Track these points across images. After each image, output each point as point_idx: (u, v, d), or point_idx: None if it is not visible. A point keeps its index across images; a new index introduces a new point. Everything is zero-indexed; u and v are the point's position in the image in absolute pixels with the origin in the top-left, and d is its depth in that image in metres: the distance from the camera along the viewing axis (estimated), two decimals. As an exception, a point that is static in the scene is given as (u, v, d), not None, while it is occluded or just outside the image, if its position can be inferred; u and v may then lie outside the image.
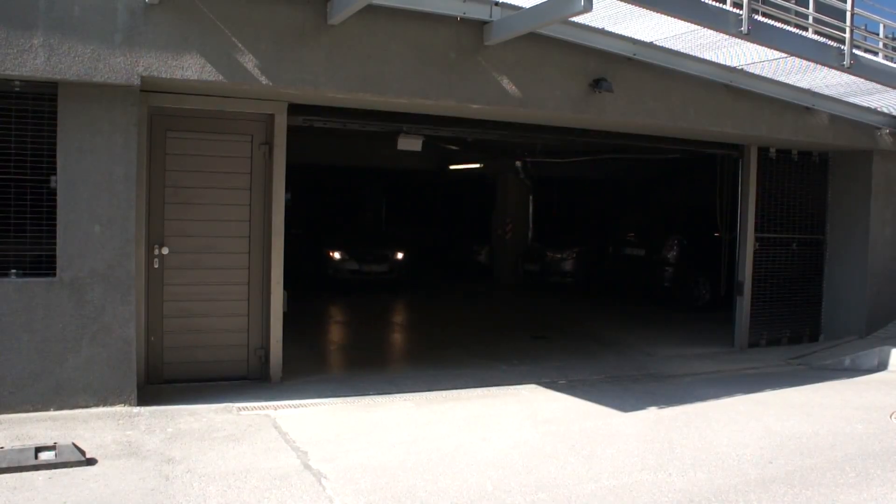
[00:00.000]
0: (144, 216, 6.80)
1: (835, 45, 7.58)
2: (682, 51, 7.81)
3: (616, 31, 7.43)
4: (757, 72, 8.33)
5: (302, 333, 9.57)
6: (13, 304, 5.99)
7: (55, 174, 6.08)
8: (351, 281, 15.09)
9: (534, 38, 7.24)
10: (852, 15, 7.47)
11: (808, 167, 10.62)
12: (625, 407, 6.91)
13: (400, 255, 15.45)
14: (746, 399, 7.38)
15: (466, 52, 7.11)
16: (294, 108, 7.48)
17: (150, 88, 6.53)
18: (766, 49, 7.39)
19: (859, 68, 7.76)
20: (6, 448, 5.11)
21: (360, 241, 15.77)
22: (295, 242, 16.13)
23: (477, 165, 17.04)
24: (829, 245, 10.75)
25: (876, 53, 8.70)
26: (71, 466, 4.94)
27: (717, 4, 6.75)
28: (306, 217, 16.85)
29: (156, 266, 7.01)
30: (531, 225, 17.63)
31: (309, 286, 14.46)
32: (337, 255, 14.94)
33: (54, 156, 6.08)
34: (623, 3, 6.26)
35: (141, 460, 5.15)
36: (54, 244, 6.09)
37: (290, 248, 16.62)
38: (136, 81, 6.08)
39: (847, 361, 9.33)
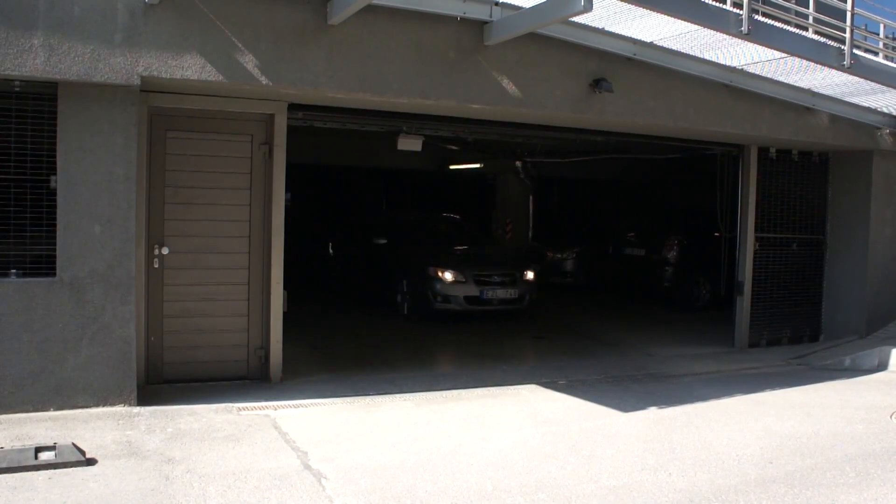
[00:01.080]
0: (144, 216, 6.80)
1: (835, 45, 7.59)
2: (682, 51, 7.81)
3: (616, 31, 7.43)
4: (757, 72, 8.33)
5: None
6: (13, 304, 5.99)
7: (55, 174, 6.08)
8: (466, 313, 11.27)
9: (534, 38, 7.24)
10: (852, 15, 7.47)
11: (809, 167, 10.62)
12: (625, 407, 6.91)
13: (530, 276, 11.74)
14: (746, 399, 7.38)
15: (466, 52, 7.11)
16: (294, 108, 7.49)
17: (150, 88, 6.53)
18: (766, 49, 7.39)
19: (859, 68, 7.76)
20: (6, 448, 5.12)
21: (475, 256, 12.09)
22: (377, 255, 12.53)
23: (477, 165, 17.02)
24: (829, 245, 10.75)
25: (876, 53, 8.70)
26: (71, 466, 4.94)
27: (717, 4, 6.75)
28: (388, 222, 13.41)
29: (156, 266, 7.01)
30: (531, 225, 17.63)
31: (396, 316, 11.69)
32: (448, 276, 11.05)
33: (54, 156, 6.08)
34: (623, 3, 6.26)
35: (141, 460, 5.15)
36: (54, 244, 6.09)
37: (373, 263, 12.87)
38: (136, 81, 6.08)
39: (847, 361, 9.33)
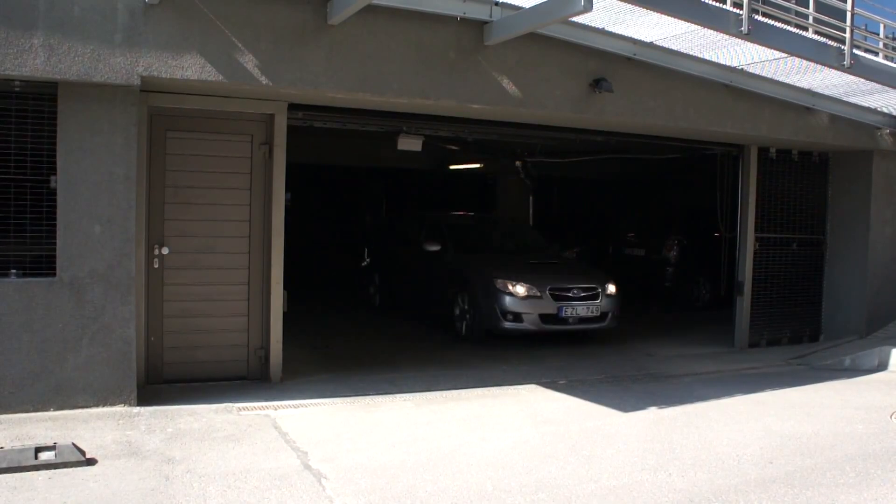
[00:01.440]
0: (144, 216, 6.80)
1: (835, 45, 7.59)
2: (682, 51, 7.82)
3: (616, 31, 7.44)
4: (757, 72, 8.34)
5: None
6: (13, 304, 5.99)
7: (55, 174, 6.08)
8: (541, 334, 9.76)
9: (534, 38, 7.24)
10: (852, 15, 7.48)
11: (809, 167, 10.62)
12: (625, 407, 6.91)
13: (612, 289, 10.02)
14: (746, 399, 7.38)
15: (466, 52, 7.11)
16: (294, 108, 7.49)
17: (150, 88, 6.53)
18: (766, 49, 7.40)
19: (859, 68, 7.77)
20: (6, 448, 5.12)
21: (549, 267, 10.38)
22: (427, 264, 10.92)
23: (477, 165, 17.01)
24: (829, 245, 10.75)
25: (876, 53, 8.71)
26: (71, 466, 4.94)
27: (717, 4, 6.76)
28: (441, 226, 11.35)
29: (156, 266, 7.01)
30: (531, 225, 17.60)
31: (450, 333, 10.14)
32: (520, 290, 9.46)
33: (54, 156, 6.08)
34: (623, 3, 6.27)
35: (141, 460, 5.15)
36: (54, 244, 6.09)
37: (422, 273, 11.00)
38: (136, 81, 6.08)
39: (847, 361, 9.33)
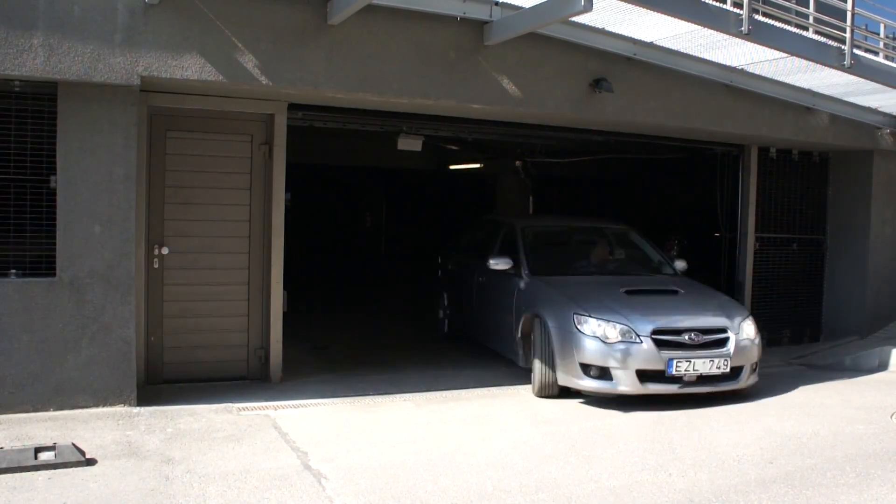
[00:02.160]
0: (144, 216, 6.80)
1: (835, 44, 7.59)
2: (682, 51, 7.81)
3: (616, 31, 7.44)
4: (757, 72, 8.33)
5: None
6: (13, 304, 5.99)
7: (55, 174, 6.08)
8: (639, 399, 6.85)
9: (534, 38, 7.24)
10: (853, 15, 7.48)
11: (809, 167, 10.62)
12: (625, 407, 6.90)
13: (750, 331, 7.21)
14: (746, 399, 7.37)
15: (466, 52, 7.11)
16: (294, 108, 7.49)
17: (149, 88, 6.53)
18: (766, 49, 7.39)
19: (860, 68, 7.76)
20: (6, 448, 5.12)
21: (654, 296, 7.54)
22: (493, 286, 8.45)
23: (477, 165, 17.02)
24: (829, 245, 10.74)
25: (876, 53, 8.70)
26: (71, 466, 4.94)
27: (718, 4, 6.75)
28: (513, 235, 8.56)
29: (156, 266, 7.01)
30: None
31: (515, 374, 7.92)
32: (610, 333, 6.74)
33: (54, 156, 6.08)
34: (623, 3, 6.27)
35: (141, 460, 5.15)
36: (54, 244, 6.09)
37: (486, 297, 8.48)
38: (136, 81, 6.08)
39: (847, 361, 9.33)
